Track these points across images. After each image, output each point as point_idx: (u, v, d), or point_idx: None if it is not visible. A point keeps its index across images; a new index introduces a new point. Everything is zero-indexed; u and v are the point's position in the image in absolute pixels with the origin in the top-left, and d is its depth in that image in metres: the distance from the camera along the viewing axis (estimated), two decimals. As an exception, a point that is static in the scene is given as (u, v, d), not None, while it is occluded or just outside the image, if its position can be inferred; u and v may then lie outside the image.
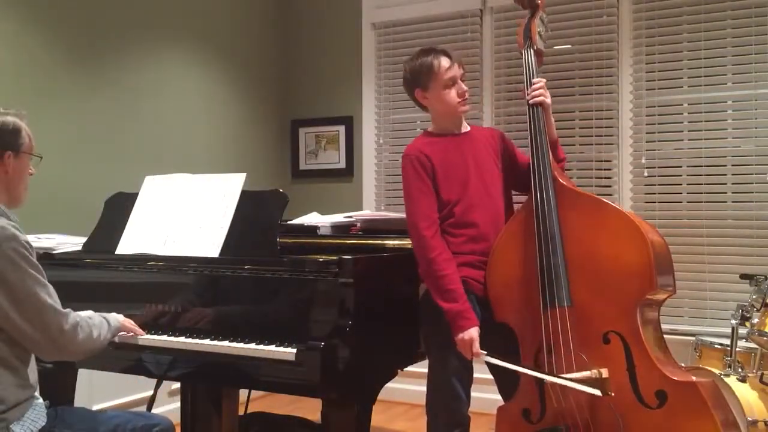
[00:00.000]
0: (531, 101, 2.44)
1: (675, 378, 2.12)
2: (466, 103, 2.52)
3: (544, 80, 2.48)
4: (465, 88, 2.49)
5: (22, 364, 1.99)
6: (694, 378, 2.14)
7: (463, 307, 2.30)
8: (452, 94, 2.46)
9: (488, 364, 2.48)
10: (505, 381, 2.44)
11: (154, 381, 2.87)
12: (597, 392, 2.11)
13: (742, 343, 3.15)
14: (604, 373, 2.17)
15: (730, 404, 2.70)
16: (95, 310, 2.24)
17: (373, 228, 2.90)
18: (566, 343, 2.23)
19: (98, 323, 2.14)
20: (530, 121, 2.43)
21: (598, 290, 2.22)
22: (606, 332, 2.19)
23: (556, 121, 2.54)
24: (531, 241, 2.31)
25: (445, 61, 2.45)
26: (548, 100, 2.46)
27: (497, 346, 2.30)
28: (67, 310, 2.03)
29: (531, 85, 2.46)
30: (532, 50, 2.52)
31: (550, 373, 2.22)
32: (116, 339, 2.31)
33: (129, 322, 2.36)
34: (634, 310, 2.17)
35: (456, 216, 2.43)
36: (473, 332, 2.27)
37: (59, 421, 2.08)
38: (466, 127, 2.58)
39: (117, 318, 2.28)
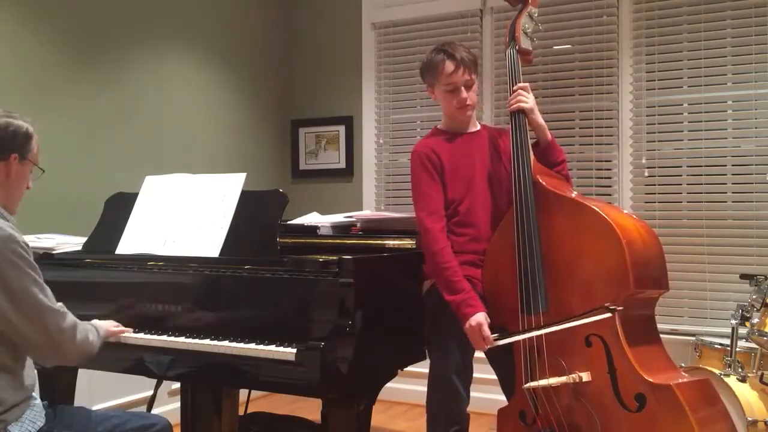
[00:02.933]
0: (509, 109, 2.43)
1: (652, 381, 2.08)
2: (469, 110, 2.49)
3: (527, 84, 2.43)
4: (465, 96, 2.44)
5: (18, 365, 1.98)
6: (676, 381, 2.09)
7: (467, 295, 2.30)
8: (451, 99, 2.46)
9: (491, 362, 2.49)
10: (507, 379, 2.44)
11: (154, 381, 2.88)
12: (607, 315, 2.08)
13: (742, 343, 3.15)
14: (585, 377, 2.16)
15: (730, 405, 2.70)
16: (95, 311, 2.23)
17: (373, 228, 2.89)
18: (540, 348, 2.23)
19: (90, 328, 2.13)
20: (511, 126, 2.41)
21: (577, 293, 2.20)
22: (588, 335, 2.18)
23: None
24: (514, 245, 2.30)
25: (449, 66, 2.42)
26: (528, 105, 2.40)
27: (499, 349, 2.30)
28: (64, 310, 2.02)
29: (512, 90, 2.43)
30: (514, 50, 2.47)
31: (532, 367, 2.22)
32: (113, 339, 2.31)
33: (114, 328, 2.34)
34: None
35: (460, 215, 2.44)
36: (480, 317, 2.27)
37: (58, 422, 2.07)
38: (475, 126, 2.57)
39: (100, 324, 2.25)
